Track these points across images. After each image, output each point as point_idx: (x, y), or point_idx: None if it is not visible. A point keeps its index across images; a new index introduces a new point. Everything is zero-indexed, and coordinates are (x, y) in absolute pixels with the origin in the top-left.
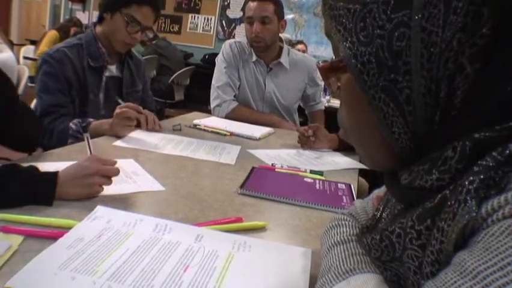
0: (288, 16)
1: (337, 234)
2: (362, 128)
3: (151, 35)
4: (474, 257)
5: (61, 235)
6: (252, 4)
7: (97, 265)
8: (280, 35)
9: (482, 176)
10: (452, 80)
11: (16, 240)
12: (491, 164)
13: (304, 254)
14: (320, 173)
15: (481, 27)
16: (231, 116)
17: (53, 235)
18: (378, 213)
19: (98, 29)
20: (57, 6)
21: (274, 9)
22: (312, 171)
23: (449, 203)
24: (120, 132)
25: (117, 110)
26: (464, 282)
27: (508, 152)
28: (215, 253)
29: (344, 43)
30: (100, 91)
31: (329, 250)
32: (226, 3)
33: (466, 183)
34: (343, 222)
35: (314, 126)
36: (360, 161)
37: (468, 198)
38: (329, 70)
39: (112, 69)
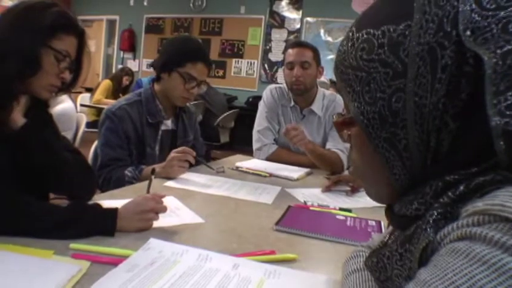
0: (328, 57)
1: (354, 263)
2: (369, 169)
3: (205, 88)
4: (426, 271)
5: (121, 261)
6: (292, 50)
7: (150, 286)
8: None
9: (439, 210)
10: (439, 133)
11: (85, 265)
12: (446, 201)
13: (327, 282)
14: (349, 210)
15: (460, 93)
16: (271, 159)
17: (114, 261)
18: (385, 240)
19: (156, 87)
20: (110, 56)
21: (313, 56)
22: (341, 209)
23: (418, 231)
24: (173, 174)
25: (172, 154)
26: None
27: (458, 192)
28: (248, 279)
29: (354, 103)
30: (156, 144)
31: (346, 277)
32: (268, 47)
33: (428, 216)
34: (360, 253)
35: (335, 178)
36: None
37: (428, 227)
38: (342, 124)
39: (168, 124)
